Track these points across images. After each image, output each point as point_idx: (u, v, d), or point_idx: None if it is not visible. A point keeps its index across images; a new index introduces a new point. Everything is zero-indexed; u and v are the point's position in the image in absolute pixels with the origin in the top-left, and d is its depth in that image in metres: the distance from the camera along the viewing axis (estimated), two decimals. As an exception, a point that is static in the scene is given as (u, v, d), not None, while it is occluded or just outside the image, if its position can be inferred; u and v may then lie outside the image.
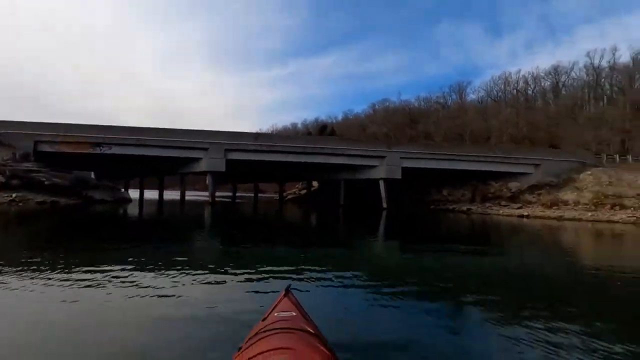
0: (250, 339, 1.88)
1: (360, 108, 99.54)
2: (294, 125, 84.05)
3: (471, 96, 63.23)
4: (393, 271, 6.80)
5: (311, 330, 1.93)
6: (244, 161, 28.46)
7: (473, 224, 19.21)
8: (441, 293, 5.13)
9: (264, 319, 2.19)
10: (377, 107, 70.66)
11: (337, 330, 3.12)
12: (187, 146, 27.16)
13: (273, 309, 2.33)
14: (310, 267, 6.14)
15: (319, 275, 5.65)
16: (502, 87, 58.62)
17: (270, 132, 76.35)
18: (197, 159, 28.10)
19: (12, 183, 21.46)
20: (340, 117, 76.98)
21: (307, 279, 5.38)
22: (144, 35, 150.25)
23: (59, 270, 5.28)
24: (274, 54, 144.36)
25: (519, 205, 26.56)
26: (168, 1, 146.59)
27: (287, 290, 2.59)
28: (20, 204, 19.56)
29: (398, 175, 27.51)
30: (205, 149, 27.22)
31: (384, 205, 28.09)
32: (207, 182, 28.80)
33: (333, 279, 5.47)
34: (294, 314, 2.19)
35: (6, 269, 5.32)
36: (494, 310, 4.29)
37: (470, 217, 23.68)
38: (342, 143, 29.01)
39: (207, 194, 29.14)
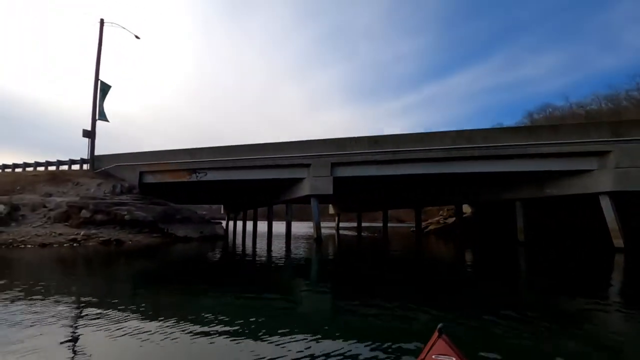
0: None
1: (512, 121, 79.45)
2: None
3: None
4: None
5: None
6: (359, 178, 20.35)
7: None
8: None
9: None
10: (535, 116, 54.26)
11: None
12: (286, 163, 20.81)
13: (429, 350, 2.09)
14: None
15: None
16: None
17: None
18: (300, 180, 21.45)
19: (96, 218, 18.71)
20: (487, 134, 61.70)
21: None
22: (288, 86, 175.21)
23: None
24: (406, 81, 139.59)
25: None
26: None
27: (440, 331, 2.25)
28: (80, 244, 15.87)
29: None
30: (307, 166, 20.32)
31: (618, 242, 15.15)
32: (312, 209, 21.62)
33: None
34: (454, 359, 1.95)
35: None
36: None
37: None
38: (528, 136, 17.55)
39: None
